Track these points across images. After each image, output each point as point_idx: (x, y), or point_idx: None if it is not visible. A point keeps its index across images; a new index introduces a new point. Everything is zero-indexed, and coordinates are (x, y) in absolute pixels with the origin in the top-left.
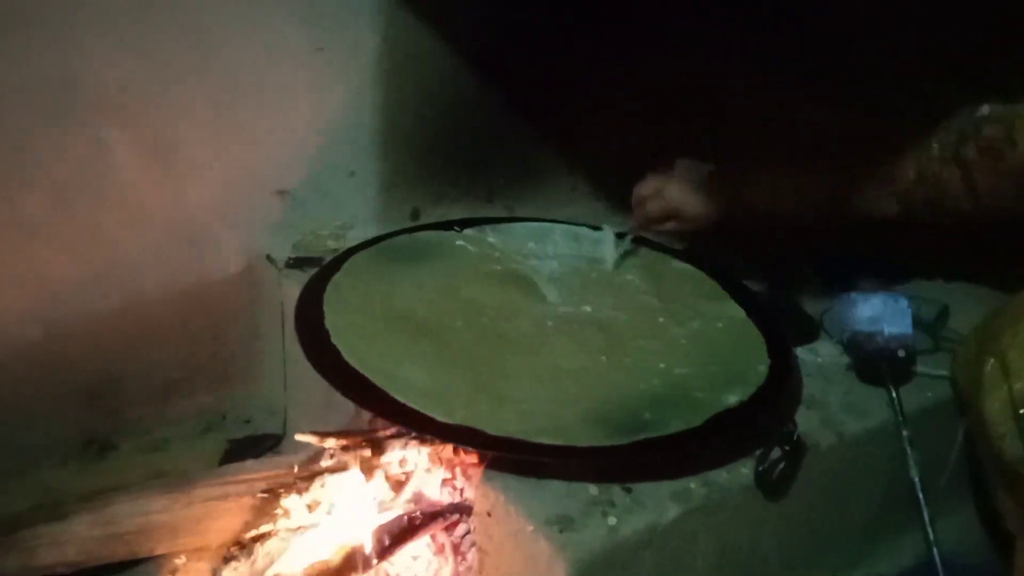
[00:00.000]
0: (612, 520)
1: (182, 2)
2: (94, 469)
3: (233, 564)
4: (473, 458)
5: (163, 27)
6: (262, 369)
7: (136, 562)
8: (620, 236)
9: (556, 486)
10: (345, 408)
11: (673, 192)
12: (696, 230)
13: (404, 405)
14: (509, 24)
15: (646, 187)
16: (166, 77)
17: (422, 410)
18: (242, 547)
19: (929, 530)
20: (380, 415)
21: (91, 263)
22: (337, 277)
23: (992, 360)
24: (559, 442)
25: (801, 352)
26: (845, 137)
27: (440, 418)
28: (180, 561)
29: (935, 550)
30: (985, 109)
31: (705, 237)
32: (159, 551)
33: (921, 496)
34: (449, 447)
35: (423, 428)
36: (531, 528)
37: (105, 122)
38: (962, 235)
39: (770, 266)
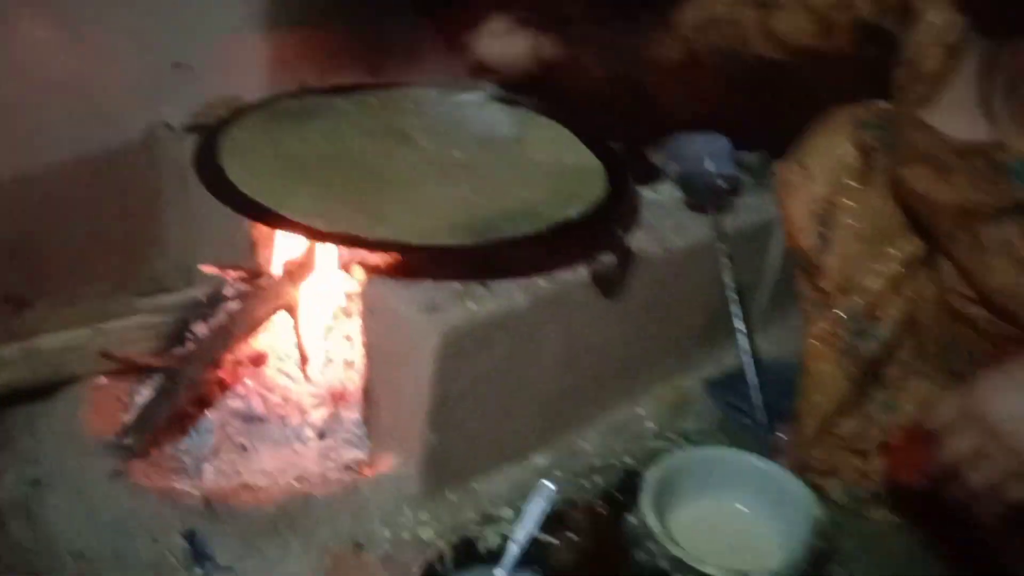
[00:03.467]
0: (472, 305)
1: None
2: (11, 322)
3: (150, 383)
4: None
5: None
6: (168, 229)
7: (62, 384)
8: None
9: (426, 285)
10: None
11: (481, 44)
12: (510, 79)
13: (294, 220)
14: None
15: (470, 37)
16: None
17: (310, 222)
18: (156, 369)
19: (741, 334)
20: (276, 228)
21: (7, 124)
22: (231, 130)
23: (796, 167)
24: (426, 241)
25: (644, 191)
26: None
27: (325, 227)
28: (101, 382)
29: (746, 349)
30: None
31: (526, 87)
32: (82, 374)
33: (735, 303)
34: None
35: (310, 235)
36: (406, 313)
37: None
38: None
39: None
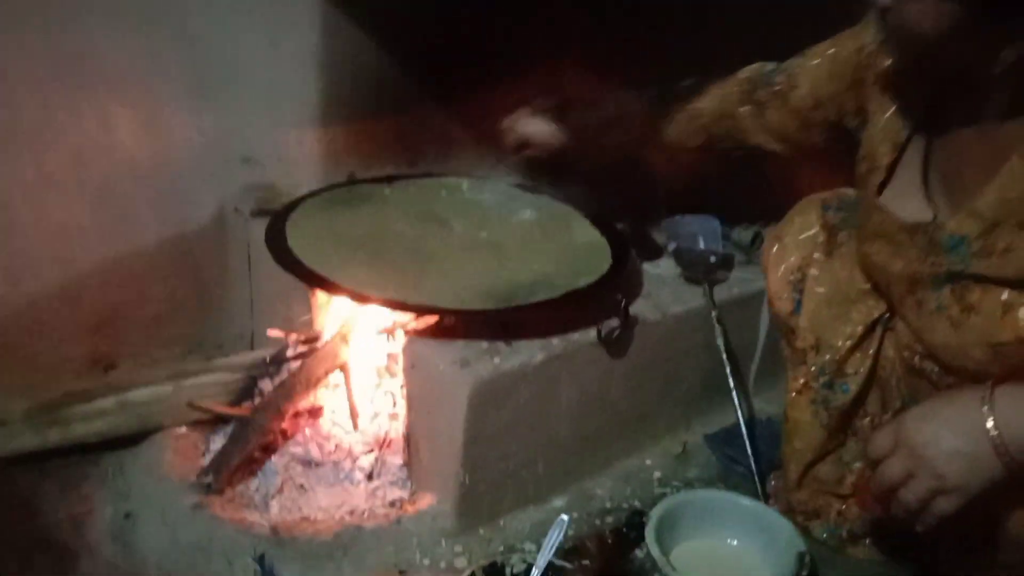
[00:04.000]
0: (497, 360)
1: (172, 7)
2: (102, 380)
3: (223, 432)
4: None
5: (157, 24)
6: (232, 301)
7: (149, 432)
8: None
9: (458, 343)
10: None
11: (521, 123)
12: (549, 157)
13: (347, 288)
14: (425, 22)
15: (506, 121)
16: (159, 65)
17: (360, 290)
18: (228, 421)
19: (733, 393)
20: (332, 293)
21: (100, 213)
22: (293, 215)
23: (776, 244)
24: (459, 305)
25: (647, 266)
26: (663, 83)
27: (373, 293)
28: (181, 431)
29: (739, 409)
30: (770, 64)
31: (563, 167)
32: (166, 424)
33: (728, 365)
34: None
35: (360, 300)
36: (442, 367)
37: (112, 100)
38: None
39: (627, 204)
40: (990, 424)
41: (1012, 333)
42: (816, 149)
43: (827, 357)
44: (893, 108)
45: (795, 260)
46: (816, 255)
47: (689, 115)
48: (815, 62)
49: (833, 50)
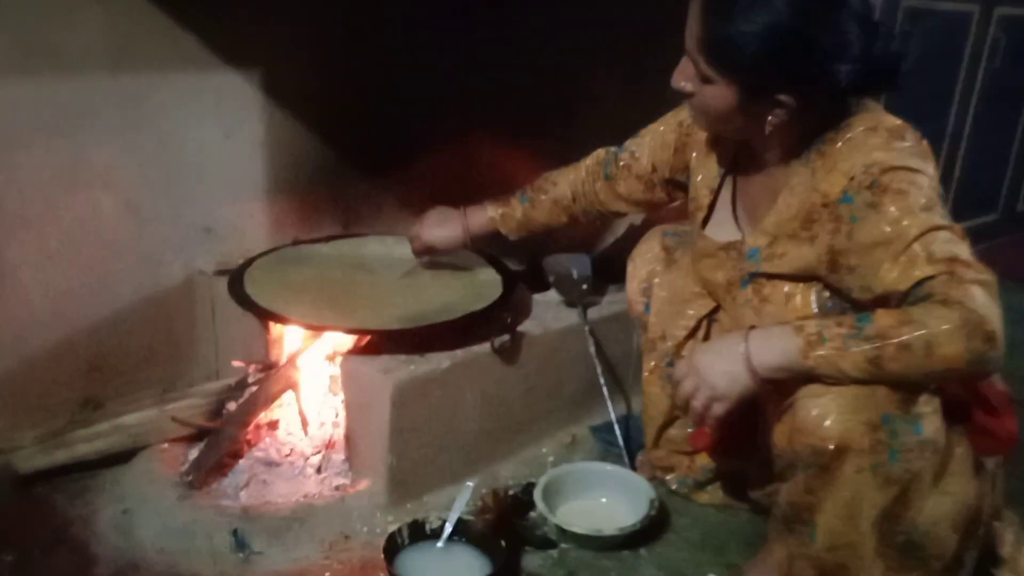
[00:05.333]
0: (412, 367)
1: (146, 113)
2: (92, 416)
3: (198, 446)
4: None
5: (136, 127)
6: (200, 347)
7: (139, 449)
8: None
9: (383, 357)
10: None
11: (423, 232)
12: (449, 251)
13: (294, 319)
14: (352, 113)
15: (411, 231)
16: (139, 158)
17: (307, 321)
18: (203, 436)
19: (605, 391)
20: (283, 323)
21: (89, 278)
22: (249, 270)
23: (631, 263)
24: (382, 327)
25: (536, 296)
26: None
27: (317, 323)
28: (165, 447)
29: (610, 405)
30: (612, 149)
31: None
32: (152, 442)
33: (598, 368)
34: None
35: (309, 327)
36: (370, 375)
37: (99, 189)
38: None
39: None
40: (742, 349)
41: (792, 313)
42: (660, 203)
43: (669, 344)
44: (707, 163)
45: (644, 273)
46: (658, 268)
47: (552, 201)
48: (648, 138)
49: (662, 128)
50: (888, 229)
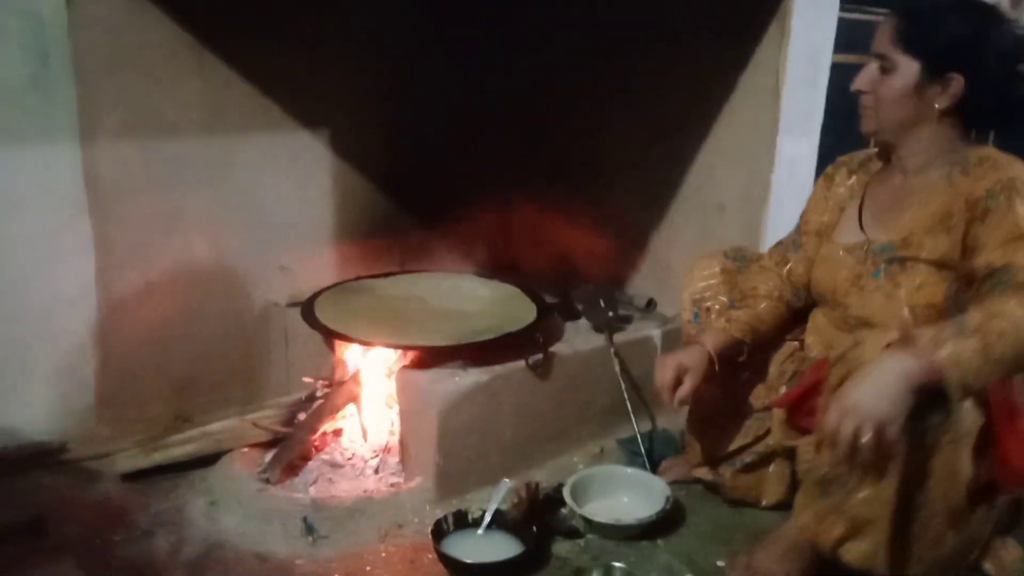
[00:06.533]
0: (457, 379)
1: (231, 170)
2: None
3: (273, 450)
4: (393, 362)
5: (223, 182)
6: (273, 370)
7: (223, 453)
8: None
9: (432, 371)
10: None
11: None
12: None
13: (358, 338)
14: (409, 168)
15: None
16: (226, 207)
17: (366, 339)
18: (277, 442)
19: (629, 406)
20: (347, 342)
21: (182, 309)
22: (318, 300)
23: (687, 275)
24: (430, 344)
25: (568, 324)
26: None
27: (375, 340)
28: (245, 451)
29: (634, 420)
30: (783, 238)
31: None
32: (234, 446)
33: (623, 386)
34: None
35: (368, 344)
36: (421, 386)
37: (193, 233)
38: None
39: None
40: (895, 367)
41: (923, 299)
42: None
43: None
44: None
45: (700, 287)
46: (712, 283)
47: (768, 303)
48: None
49: (807, 210)
50: (1011, 220)
